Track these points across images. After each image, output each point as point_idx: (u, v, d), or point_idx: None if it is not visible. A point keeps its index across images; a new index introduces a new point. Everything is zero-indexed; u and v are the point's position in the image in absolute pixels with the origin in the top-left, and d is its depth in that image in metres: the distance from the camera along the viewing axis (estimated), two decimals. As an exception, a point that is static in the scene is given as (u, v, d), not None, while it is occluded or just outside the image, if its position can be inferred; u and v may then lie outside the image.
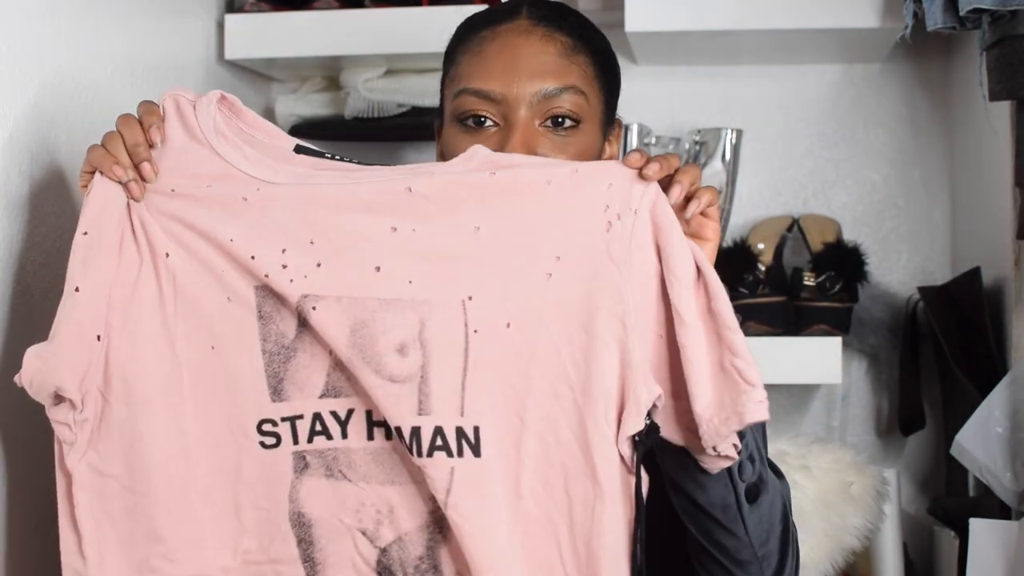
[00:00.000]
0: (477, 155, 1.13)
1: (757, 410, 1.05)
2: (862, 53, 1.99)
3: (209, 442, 1.12)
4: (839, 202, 2.06)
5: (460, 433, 1.08)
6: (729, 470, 1.12)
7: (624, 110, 1.36)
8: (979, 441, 1.60)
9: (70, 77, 1.40)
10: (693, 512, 1.17)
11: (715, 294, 1.07)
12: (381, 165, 1.15)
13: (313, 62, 1.95)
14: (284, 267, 1.09)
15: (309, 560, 1.12)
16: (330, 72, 2.03)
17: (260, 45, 1.88)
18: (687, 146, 1.94)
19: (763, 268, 1.86)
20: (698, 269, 1.08)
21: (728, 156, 1.91)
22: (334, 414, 1.11)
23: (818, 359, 1.79)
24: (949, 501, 1.84)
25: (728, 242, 1.91)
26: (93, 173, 1.13)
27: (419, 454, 1.07)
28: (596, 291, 1.08)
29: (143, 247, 1.12)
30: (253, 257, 1.10)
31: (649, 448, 1.10)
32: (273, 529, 1.12)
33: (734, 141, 1.91)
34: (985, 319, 1.72)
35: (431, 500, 1.09)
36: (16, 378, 1.10)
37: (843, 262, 1.85)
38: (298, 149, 1.16)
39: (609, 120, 1.32)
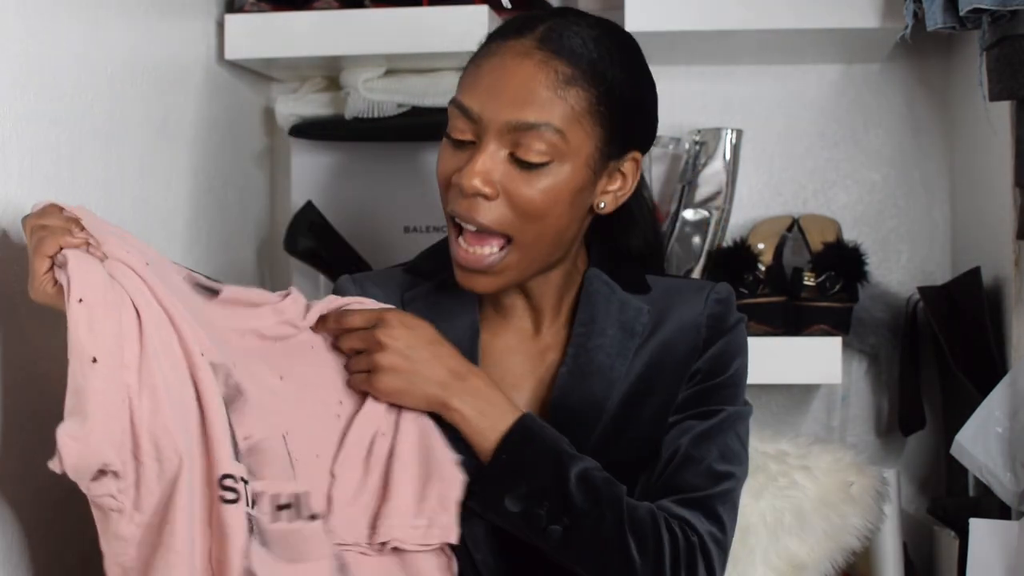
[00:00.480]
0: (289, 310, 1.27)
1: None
2: (862, 53, 1.99)
3: (197, 493, 1.14)
4: (839, 202, 2.06)
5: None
6: (526, 521, 1.24)
7: (644, 134, 1.35)
8: (979, 441, 1.60)
9: (70, 77, 1.40)
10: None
11: None
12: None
13: (313, 62, 1.96)
14: (202, 355, 1.17)
15: None
16: (330, 72, 2.03)
17: (260, 45, 1.88)
18: (687, 146, 1.94)
19: (763, 268, 1.86)
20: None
21: (728, 156, 1.91)
22: (254, 492, 1.17)
23: (818, 359, 1.79)
24: (949, 501, 1.84)
25: (728, 242, 1.91)
26: (51, 269, 1.11)
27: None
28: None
29: (135, 300, 1.12)
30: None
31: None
32: None
33: (734, 141, 1.91)
34: (985, 319, 1.72)
35: (337, 572, 1.19)
36: (53, 464, 1.06)
37: (843, 262, 1.85)
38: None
39: (611, 154, 1.29)
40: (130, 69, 1.56)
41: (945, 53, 2.02)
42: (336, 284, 1.45)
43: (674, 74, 2.07)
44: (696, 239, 1.90)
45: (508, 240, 1.27)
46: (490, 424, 1.26)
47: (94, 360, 1.07)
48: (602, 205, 1.32)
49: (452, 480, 1.25)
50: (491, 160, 1.24)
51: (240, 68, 1.97)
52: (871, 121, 2.06)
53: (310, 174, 2.01)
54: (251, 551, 1.14)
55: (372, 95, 1.93)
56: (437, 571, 1.26)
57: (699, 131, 1.93)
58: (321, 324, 1.29)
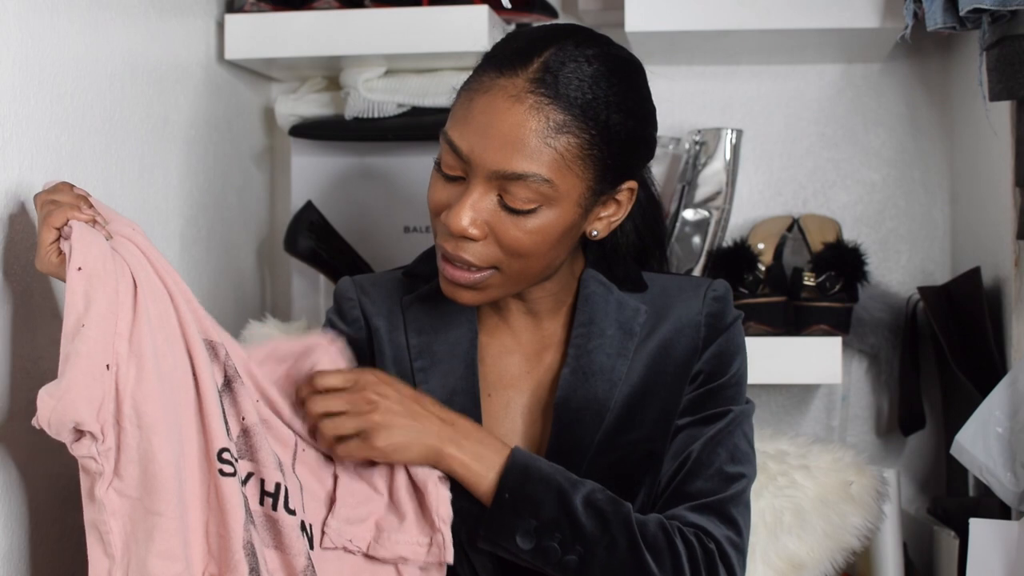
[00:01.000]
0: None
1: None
2: (862, 53, 1.99)
3: (191, 465, 1.16)
4: (839, 202, 2.06)
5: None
6: (542, 556, 1.24)
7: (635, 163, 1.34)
8: (979, 441, 1.60)
9: (70, 77, 1.40)
10: None
11: None
12: None
13: (313, 62, 1.95)
14: (199, 332, 1.21)
15: None
16: (330, 72, 2.03)
17: (260, 45, 1.88)
18: (687, 146, 1.94)
19: (763, 268, 1.86)
20: None
21: (728, 156, 1.91)
22: (246, 472, 1.21)
23: (818, 359, 1.79)
24: (949, 501, 1.84)
25: (728, 242, 1.91)
26: (58, 240, 1.15)
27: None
28: None
29: (135, 274, 1.16)
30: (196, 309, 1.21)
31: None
32: (227, 558, 1.17)
33: (734, 141, 1.91)
34: (985, 319, 1.72)
35: (308, 571, 1.21)
36: (33, 421, 1.11)
37: (843, 262, 1.85)
38: None
39: (604, 190, 1.27)
40: (130, 69, 1.56)
41: (945, 53, 2.02)
42: (336, 286, 1.45)
43: (674, 74, 2.07)
44: (696, 239, 1.90)
45: (494, 268, 1.27)
46: (486, 465, 1.26)
47: (83, 326, 1.11)
48: (595, 233, 1.31)
49: (441, 497, 1.26)
50: (479, 203, 1.23)
51: (240, 68, 1.97)
52: (871, 121, 2.06)
53: (310, 174, 2.01)
54: (248, 525, 1.17)
55: (372, 95, 1.93)
56: None
57: (699, 131, 1.93)
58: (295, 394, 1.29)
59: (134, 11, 1.57)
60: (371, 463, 1.29)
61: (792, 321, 1.82)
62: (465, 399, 1.35)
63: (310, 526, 1.25)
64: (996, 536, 1.54)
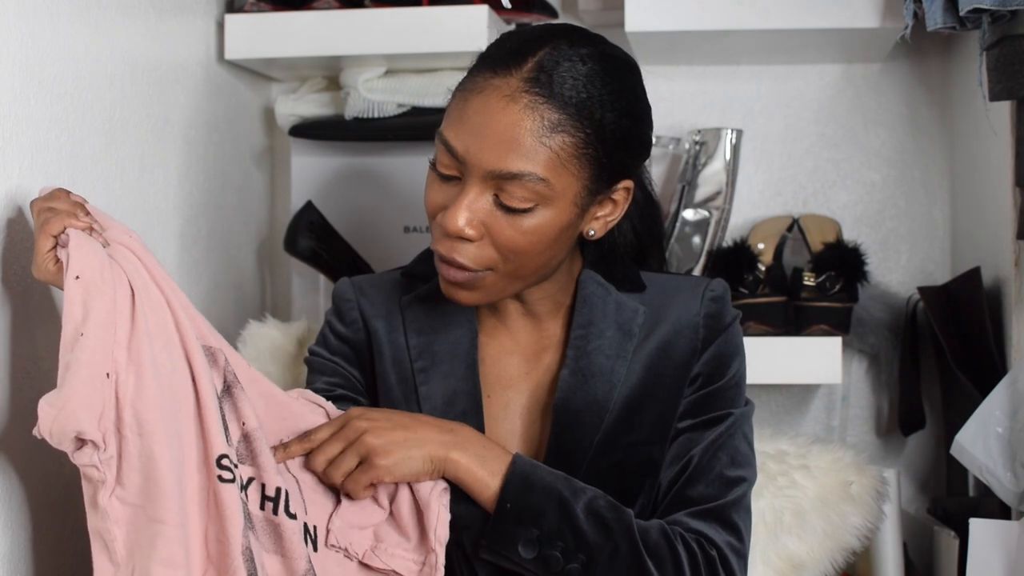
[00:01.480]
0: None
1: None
2: (862, 53, 1.99)
3: (191, 472, 1.16)
4: (839, 202, 2.06)
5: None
6: (544, 565, 1.23)
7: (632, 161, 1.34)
8: (979, 441, 1.60)
9: (70, 77, 1.40)
10: None
11: None
12: None
13: (313, 62, 1.96)
14: (197, 339, 1.22)
15: None
16: (330, 72, 2.03)
17: (260, 45, 1.88)
18: (687, 146, 1.94)
19: (763, 268, 1.86)
20: None
21: (728, 156, 1.91)
22: (242, 478, 1.20)
23: (818, 359, 1.79)
24: (949, 501, 1.84)
25: (728, 242, 1.91)
26: (55, 248, 1.15)
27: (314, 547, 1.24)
28: None
29: (132, 281, 1.16)
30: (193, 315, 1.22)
31: None
32: (228, 562, 1.17)
33: (734, 141, 1.91)
34: (985, 319, 1.72)
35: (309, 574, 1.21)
36: (34, 431, 1.11)
37: (843, 262, 1.85)
38: None
39: (600, 189, 1.27)
40: (130, 69, 1.56)
41: (945, 53, 2.02)
42: (334, 288, 1.45)
43: (674, 74, 2.07)
44: (696, 239, 1.90)
45: (489, 269, 1.26)
46: (490, 470, 1.25)
47: (82, 335, 1.11)
48: (591, 232, 1.30)
49: (441, 519, 1.25)
50: (475, 203, 1.23)
51: (240, 68, 1.97)
52: (871, 121, 2.06)
53: (310, 174, 2.01)
54: (247, 531, 1.18)
55: (372, 95, 1.93)
56: None
57: (699, 131, 1.93)
58: (283, 452, 1.26)
59: (134, 11, 1.57)
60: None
61: (792, 321, 1.82)
62: (466, 400, 1.34)
63: (314, 528, 1.25)
64: (996, 536, 1.54)
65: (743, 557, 1.31)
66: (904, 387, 1.96)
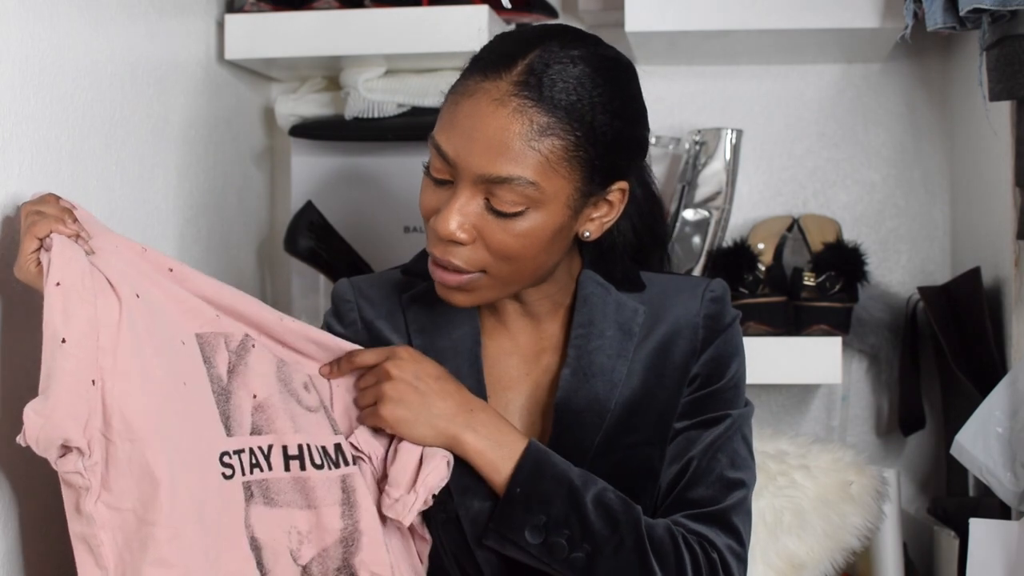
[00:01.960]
0: None
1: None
2: (862, 53, 1.99)
3: (187, 472, 1.17)
4: (839, 202, 2.06)
5: (338, 449, 1.29)
6: (548, 551, 1.24)
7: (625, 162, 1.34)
8: (979, 441, 1.60)
9: (70, 77, 1.40)
10: None
11: None
12: None
13: (313, 62, 1.96)
14: (217, 316, 1.26)
15: None
16: (330, 72, 2.03)
17: (260, 45, 1.88)
18: (687, 146, 1.94)
19: (763, 268, 1.86)
20: None
21: (728, 156, 1.91)
22: (260, 449, 1.25)
23: (818, 359, 1.79)
24: (949, 501, 1.84)
25: (728, 242, 1.91)
26: (39, 251, 1.16)
27: (345, 464, 1.28)
28: None
29: (117, 290, 1.17)
30: (191, 308, 1.24)
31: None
32: (235, 555, 1.19)
33: (734, 141, 1.91)
34: (985, 319, 1.72)
35: (344, 518, 1.26)
36: (19, 438, 1.12)
37: (843, 262, 1.85)
38: None
39: (593, 191, 1.26)
40: (130, 69, 1.56)
41: (945, 53, 2.02)
42: (334, 288, 1.44)
43: (674, 74, 2.07)
44: (696, 239, 1.90)
45: (482, 271, 1.26)
46: (502, 456, 1.26)
47: (63, 341, 1.11)
48: (587, 234, 1.30)
49: (438, 471, 1.27)
50: (466, 207, 1.22)
51: (240, 68, 1.97)
52: (871, 121, 2.06)
53: (310, 174, 2.01)
54: (252, 519, 1.21)
55: (372, 95, 1.93)
56: (406, 551, 1.31)
57: (699, 131, 1.93)
58: (335, 367, 1.33)
59: (134, 11, 1.57)
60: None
61: (792, 321, 1.82)
62: None
63: (337, 445, 1.29)
64: (996, 536, 1.54)
65: (743, 561, 1.31)
66: (904, 387, 1.96)
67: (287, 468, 1.25)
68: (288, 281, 2.09)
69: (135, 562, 1.13)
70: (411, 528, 1.32)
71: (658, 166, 2.06)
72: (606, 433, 1.32)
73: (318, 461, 1.26)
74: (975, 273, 1.78)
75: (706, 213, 1.91)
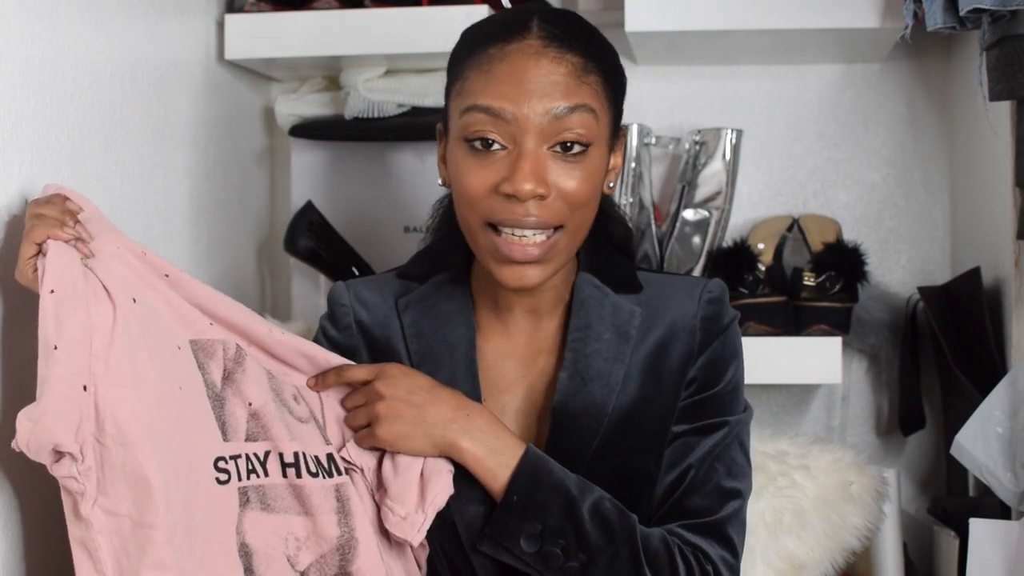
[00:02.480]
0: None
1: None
2: (862, 53, 1.99)
3: (177, 476, 1.18)
4: (839, 202, 2.06)
5: (331, 459, 1.29)
6: (543, 560, 1.24)
7: (624, 110, 1.36)
8: (979, 441, 1.60)
9: (70, 77, 1.40)
10: None
11: None
12: None
13: (313, 62, 1.96)
14: (211, 324, 1.27)
15: None
16: (330, 72, 2.03)
17: (260, 45, 1.88)
18: (687, 146, 1.94)
19: (763, 268, 1.86)
20: None
21: (728, 156, 1.91)
22: (256, 455, 1.25)
23: (818, 359, 1.79)
24: (949, 501, 1.84)
25: (728, 242, 1.91)
26: (37, 255, 1.17)
27: (339, 473, 1.28)
28: None
29: (113, 295, 1.17)
30: (186, 315, 1.25)
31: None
32: (223, 561, 1.19)
33: (734, 141, 1.91)
34: (985, 319, 1.72)
35: (340, 525, 1.25)
36: (13, 443, 1.13)
37: (843, 262, 1.85)
38: None
39: (615, 132, 1.31)
40: (130, 69, 1.56)
41: (945, 53, 2.02)
42: (330, 291, 1.44)
43: (674, 74, 2.07)
44: (696, 239, 1.90)
45: (557, 227, 1.27)
46: (499, 463, 1.26)
47: (55, 348, 1.13)
48: (611, 184, 1.33)
49: (443, 488, 1.27)
50: (539, 159, 1.23)
51: (240, 68, 1.97)
52: (871, 121, 2.06)
53: (310, 174, 2.01)
54: (245, 525, 1.21)
55: (372, 95, 1.93)
56: (403, 558, 1.32)
57: (699, 131, 1.93)
58: (321, 379, 1.32)
59: (134, 11, 1.57)
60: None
61: (792, 321, 1.82)
62: None
63: (329, 456, 1.29)
64: (996, 536, 1.54)
65: (736, 572, 1.32)
66: (904, 387, 1.96)
67: (284, 475, 1.25)
68: (288, 281, 2.09)
69: (133, 565, 1.14)
70: None
71: (658, 166, 2.06)
72: (603, 438, 1.32)
73: (313, 469, 1.26)
74: (975, 273, 1.78)
75: (706, 213, 1.91)
